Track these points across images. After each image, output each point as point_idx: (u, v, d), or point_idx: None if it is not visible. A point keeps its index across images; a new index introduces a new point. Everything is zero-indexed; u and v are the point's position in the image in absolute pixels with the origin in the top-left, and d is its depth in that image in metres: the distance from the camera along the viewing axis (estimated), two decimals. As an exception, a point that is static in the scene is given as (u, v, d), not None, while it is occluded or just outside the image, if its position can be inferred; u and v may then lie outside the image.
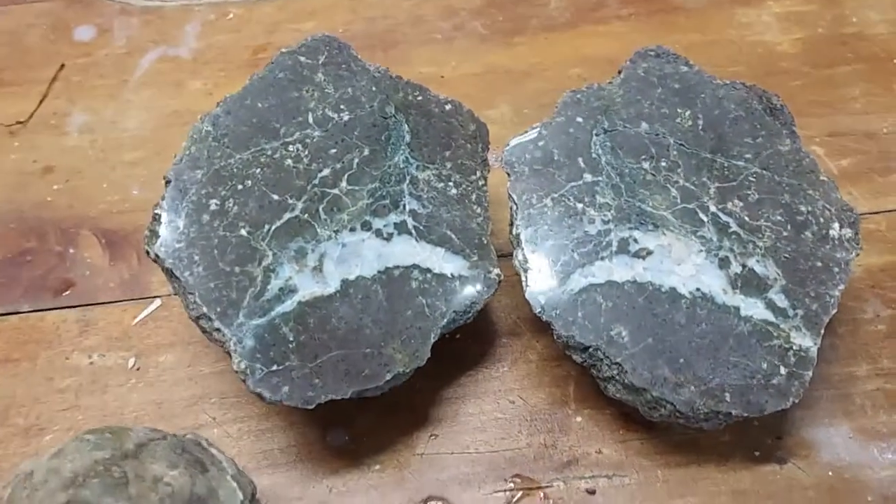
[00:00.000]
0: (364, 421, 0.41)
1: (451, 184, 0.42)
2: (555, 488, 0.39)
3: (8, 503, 0.31)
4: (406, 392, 0.41)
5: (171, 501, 0.30)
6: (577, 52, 0.57)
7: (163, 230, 0.37)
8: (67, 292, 0.47)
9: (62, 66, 0.58)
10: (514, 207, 0.41)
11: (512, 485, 0.39)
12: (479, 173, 0.43)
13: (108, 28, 0.61)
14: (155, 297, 0.46)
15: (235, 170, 0.39)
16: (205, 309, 0.36)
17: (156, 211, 0.38)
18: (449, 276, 0.40)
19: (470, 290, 0.40)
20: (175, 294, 0.38)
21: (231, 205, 0.38)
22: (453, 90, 0.55)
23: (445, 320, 0.39)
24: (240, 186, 0.39)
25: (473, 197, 0.42)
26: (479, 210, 0.42)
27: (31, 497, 0.30)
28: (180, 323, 0.45)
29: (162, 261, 0.37)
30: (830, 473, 0.39)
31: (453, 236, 0.41)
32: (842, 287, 0.38)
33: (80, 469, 0.30)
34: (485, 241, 0.41)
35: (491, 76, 0.56)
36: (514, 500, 0.39)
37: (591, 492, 0.39)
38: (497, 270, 0.40)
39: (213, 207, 0.38)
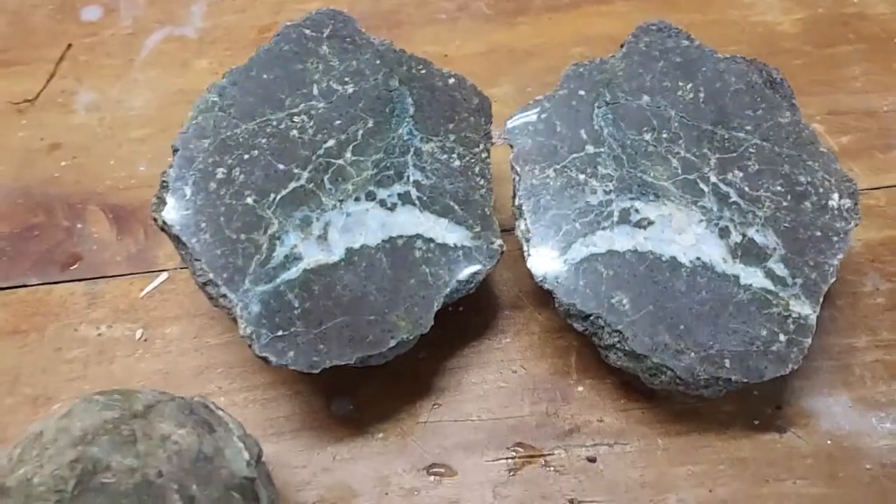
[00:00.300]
0: (368, 390, 0.42)
1: (454, 156, 0.42)
2: (556, 456, 0.39)
3: (18, 461, 0.31)
4: (410, 362, 0.42)
5: (179, 459, 0.31)
6: (580, 31, 0.58)
7: (170, 197, 0.38)
8: (75, 266, 0.47)
9: (69, 45, 0.59)
10: (517, 178, 0.41)
11: (514, 453, 0.40)
12: (482, 146, 0.43)
13: (114, 8, 0.61)
14: (161, 270, 0.47)
15: (241, 139, 0.40)
16: (211, 275, 0.37)
17: (163, 179, 0.38)
18: (452, 245, 0.40)
19: (473, 260, 0.40)
20: (182, 261, 0.39)
21: (237, 173, 0.39)
22: (457, 69, 0.55)
23: (448, 289, 0.39)
24: (246, 156, 0.39)
25: (476, 169, 0.42)
26: (481, 182, 0.42)
27: (41, 455, 0.31)
28: (186, 296, 0.46)
29: (169, 227, 0.37)
30: (829, 442, 0.39)
31: (456, 207, 0.41)
32: (840, 256, 0.39)
33: (90, 427, 0.31)
34: (487, 213, 0.41)
35: (495, 55, 0.57)
36: (516, 467, 0.39)
37: (592, 459, 0.39)
38: (499, 241, 0.41)
39: (219, 176, 0.39)
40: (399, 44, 0.55)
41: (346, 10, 0.59)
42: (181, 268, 0.47)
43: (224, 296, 0.37)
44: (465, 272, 0.40)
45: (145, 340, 0.44)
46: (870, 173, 0.49)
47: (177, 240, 0.37)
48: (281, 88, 0.41)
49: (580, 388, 0.41)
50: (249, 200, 0.38)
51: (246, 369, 0.43)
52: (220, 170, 0.39)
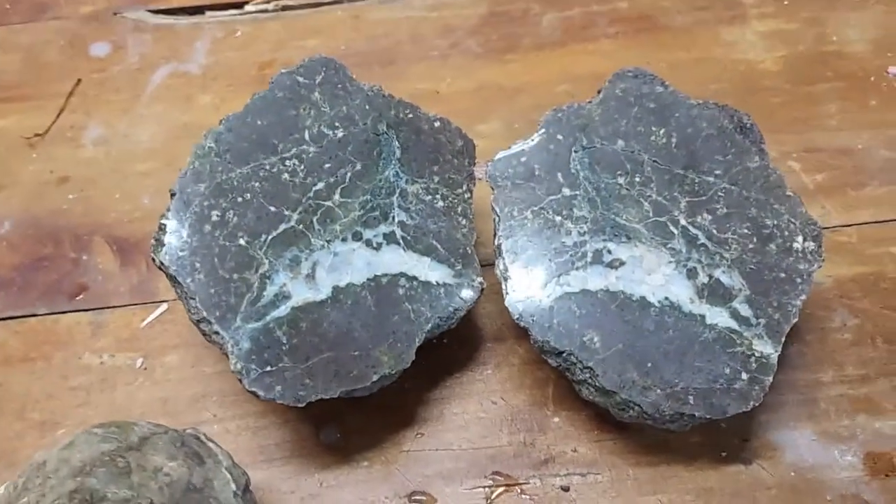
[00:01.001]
0: (354, 420, 0.44)
1: (438, 197, 0.45)
2: (531, 485, 0.41)
3: (23, 489, 0.34)
4: (395, 393, 0.44)
5: (170, 490, 0.33)
6: (566, 69, 0.60)
7: (168, 239, 0.40)
8: (81, 296, 0.50)
9: (79, 80, 0.62)
10: (497, 219, 0.43)
11: (491, 481, 0.42)
12: (465, 186, 0.45)
13: (122, 44, 0.64)
14: (162, 301, 0.49)
15: (236, 183, 0.42)
16: (205, 313, 0.39)
17: (161, 221, 0.41)
18: (434, 283, 0.42)
19: (454, 297, 0.42)
20: (178, 299, 0.41)
21: (231, 216, 0.41)
22: (448, 105, 0.58)
23: (430, 325, 0.42)
24: (239, 199, 0.42)
25: (459, 209, 0.45)
26: (464, 222, 0.44)
27: (43, 485, 0.33)
28: (185, 326, 0.48)
29: (167, 267, 0.40)
30: (793, 474, 0.41)
31: (439, 246, 0.43)
32: (803, 297, 0.41)
33: (88, 459, 0.33)
34: (469, 251, 0.44)
35: (484, 92, 0.59)
36: (494, 495, 0.41)
37: (566, 489, 0.41)
38: (480, 279, 0.43)
39: (214, 218, 0.41)
40: (392, 80, 0.58)
41: (343, 47, 0.62)
42: (179, 299, 0.49)
43: (217, 332, 0.39)
44: (447, 309, 0.42)
45: (145, 369, 0.46)
46: (842, 210, 0.51)
47: (173, 279, 0.40)
48: (274, 134, 0.44)
49: (556, 419, 0.43)
50: (242, 241, 0.41)
51: (239, 398, 0.45)
52: (215, 212, 0.41)
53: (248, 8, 0.66)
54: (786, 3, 0.63)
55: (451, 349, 0.46)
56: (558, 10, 0.64)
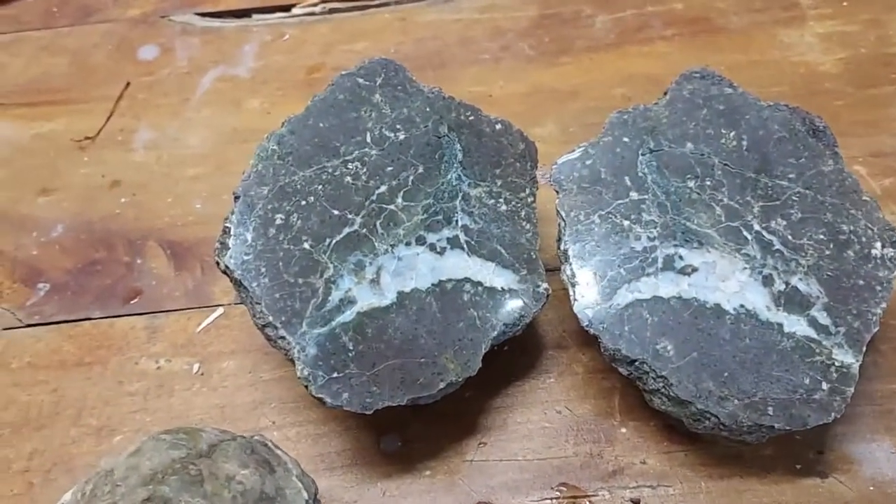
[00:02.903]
0: (416, 428, 0.43)
1: (501, 200, 0.44)
2: (600, 497, 0.40)
3: (91, 497, 0.33)
4: (456, 401, 0.43)
5: (243, 499, 0.32)
6: (622, 72, 0.59)
7: (232, 242, 0.40)
8: (135, 300, 0.49)
9: (128, 84, 0.61)
10: (563, 224, 0.42)
11: (558, 493, 0.41)
12: (527, 190, 0.44)
13: (170, 47, 0.64)
14: (217, 305, 0.49)
15: (299, 186, 0.41)
16: (271, 318, 0.38)
17: (226, 224, 0.40)
18: (499, 289, 0.41)
19: (519, 304, 0.41)
20: (242, 303, 0.41)
21: (295, 219, 0.41)
22: (501, 109, 0.57)
23: (496, 332, 0.41)
24: (303, 202, 0.41)
25: (522, 213, 0.44)
26: (527, 226, 0.43)
27: (112, 492, 0.33)
28: (241, 331, 0.47)
29: (231, 272, 0.39)
30: (872, 488, 0.40)
31: (503, 251, 0.42)
32: (884, 305, 0.39)
33: (159, 466, 0.33)
34: (533, 256, 0.43)
35: (537, 95, 0.58)
36: (561, 506, 0.40)
37: (636, 501, 0.40)
38: (545, 285, 0.42)
39: (278, 222, 0.40)
40: (443, 84, 0.57)
41: (392, 50, 0.62)
42: (236, 303, 0.49)
43: (282, 338, 0.38)
44: (512, 315, 0.41)
45: (202, 374, 0.46)
46: (912, 216, 0.50)
47: (238, 283, 0.39)
48: (336, 136, 0.43)
49: (623, 430, 0.42)
50: (306, 245, 0.40)
51: (298, 405, 0.44)
52: (279, 216, 0.40)
53: (295, 11, 0.66)
54: (845, 4, 0.62)
55: (512, 357, 0.45)
56: (611, 11, 0.63)
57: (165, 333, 0.48)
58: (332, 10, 0.65)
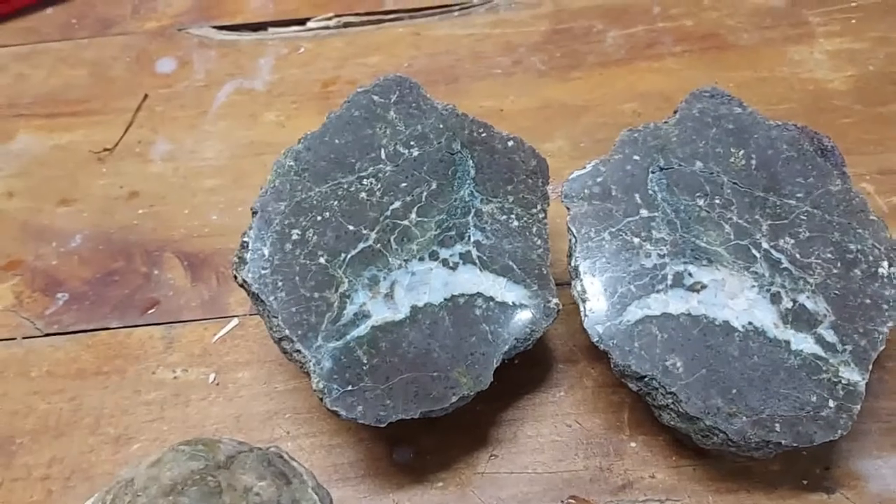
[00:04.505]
0: (428, 439, 0.44)
1: (513, 216, 0.44)
2: (609, 509, 0.41)
3: (111, 506, 0.34)
4: (467, 413, 0.43)
5: (260, 509, 0.33)
6: (632, 87, 0.60)
7: (249, 257, 0.40)
8: (152, 310, 0.50)
9: (146, 96, 0.62)
10: (574, 240, 0.43)
11: (568, 505, 0.41)
12: (539, 206, 0.45)
13: (187, 60, 0.65)
14: (233, 316, 0.50)
15: (315, 202, 0.42)
16: (287, 331, 0.39)
17: (243, 239, 0.41)
18: (510, 304, 0.42)
19: (530, 318, 0.42)
20: (259, 316, 0.42)
21: (311, 234, 0.41)
22: (512, 123, 0.58)
23: (507, 346, 0.41)
24: (319, 217, 0.42)
25: (534, 229, 0.44)
26: (538, 242, 0.44)
27: (133, 502, 0.33)
28: (256, 342, 0.48)
29: (249, 286, 0.40)
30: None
31: (515, 266, 0.43)
32: (890, 324, 0.40)
33: (178, 477, 0.33)
34: (544, 272, 0.43)
35: (548, 110, 0.59)
36: (570, 519, 0.41)
37: (644, 514, 0.41)
38: (556, 300, 0.43)
39: (294, 237, 0.41)
40: (455, 98, 0.58)
41: (406, 64, 0.63)
42: (251, 314, 0.49)
43: (298, 351, 0.39)
44: (523, 330, 0.42)
45: (218, 384, 0.47)
46: (920, 234, 0.50)
47: (255, 297, 0.40)
48: (351, 152, 0.44)
49: (633, 444, 0.43)
50: (322, 260, 0.41)
51: (312, 416, 0.45)
52: (296, 231, 0.41)
53: (310, 24, 0.67)
54: (853, 21, 0.62)
55: (522, 370, 0.46)
56: (622, 27, 0.63)
57: (182, 343, 0.48)
58: (346, 24, 0.66)
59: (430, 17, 0.66)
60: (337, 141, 0.44)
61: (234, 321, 0.49)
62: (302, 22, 0.67)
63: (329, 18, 0.67)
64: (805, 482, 0.41)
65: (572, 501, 0.41)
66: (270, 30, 0.67)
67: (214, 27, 0.67)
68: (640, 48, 0.62)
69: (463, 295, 0.42)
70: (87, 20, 0.69)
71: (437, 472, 0.43)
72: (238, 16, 0.68)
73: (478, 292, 0.42)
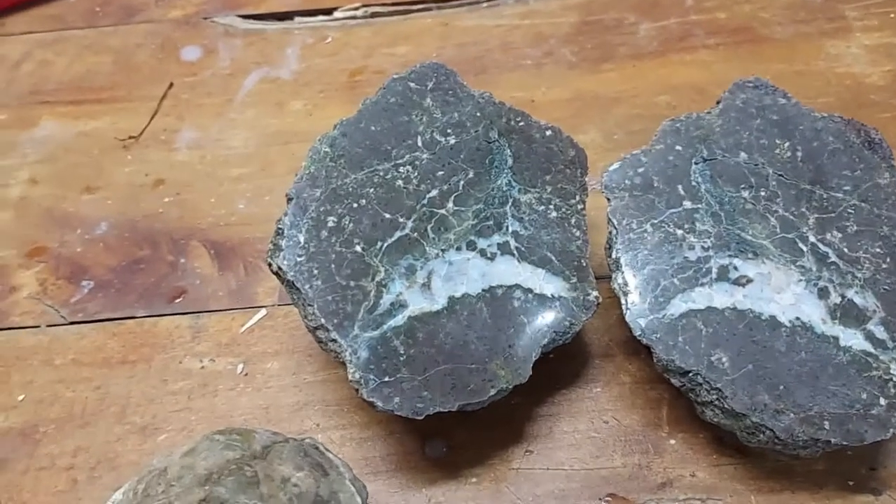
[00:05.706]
0: (461, 433, 0.43)
1: (551, 207, 0.43)
2: (648, 508, 0.40)
3: (144, 496, 0.33)
4: (502, 408, 0.42)
5: (299, 501, 0.32)
6: (665, 80, 0.58)
7: (285, 244, 0.40)
8: (179, 299, 0.49)
9: (171, 84, 0.62)
10: (614, 232, 0.42)
11: None
12: (577, 197, 0.44)
13: (213, 49, 0.64)
14: (261, 306, 0.49)
15: (351, 189, 0.41)
16: (322, 320, 0.38)
17: (278, 226, 0.40)
18: (549, 296, 0.41)
19: (569, 311, 0.41)
20: (292, 305, 0.41)
21: (347, 222, 0.40)
22: (544, 115, 0.56)
23: (546, 340, 0.40)
24: (355, 205, 0.41)
25: (573, 220, 0.43)
26: (577, 233, 0.43)
27: (167, 492, 0.32)
28: (284, 332, 0.47)
29: (284, 273, 0.39)
30: (927, 506, 0.39)
31: (553, 258, 0.42)
32: (943, 321, 0.39)
33: (214, 467, 0.33)
34: (584, 264, 0.42)
35: (580, 102, 0.58)
36: (608, 517, 0.40)
37: (685, 513, 0.40)
38: (595, 293, 0.42)
39: (330, 224, 0.40)
40: (486, 88, 0.57)
41: (434, 55, 0.62)
42: (280, 305, 0.48)
43: (334, 340, 0.38)
44: (562, 323, 0.41)
45: (246, 375, 0.46)
46: (964, 231, 0.49)
47: (290, 285, 0.39)
48: (387, 139, 0.43)
49: (672, 441, 0.42)
50: (358, 248, 0.40)
51: (342, 407, 0.44)
52: (331, 218, 0.40)
53: (336, 14, 0.66)
54: (892, 16, 0.61)
55: (558, 365, 0.45)
56: (654, 19, 0.62)
57: (209, 333, 0.48)
58: (373, 14, 0.65)
59: (458, 8, 0.65)
60: (373, 128, 0.43)
61: (263, 311, 0.48)
62: (328, 11, 0.66)
63: (356, 8, 0.66)
64: (851, 483, 0.40)
65: (610, 499, 0.40)
66: (296, 19, 0.66)
67: (240, 16, 0.66)
68: (673, 41, 0.61)
69: (501, 286, 0.41)
70: (111, 8, 0.68)
71: (470, 467, 0.42)
72: (263, 5, 0.67)
73: (516, 284, 0.41)
